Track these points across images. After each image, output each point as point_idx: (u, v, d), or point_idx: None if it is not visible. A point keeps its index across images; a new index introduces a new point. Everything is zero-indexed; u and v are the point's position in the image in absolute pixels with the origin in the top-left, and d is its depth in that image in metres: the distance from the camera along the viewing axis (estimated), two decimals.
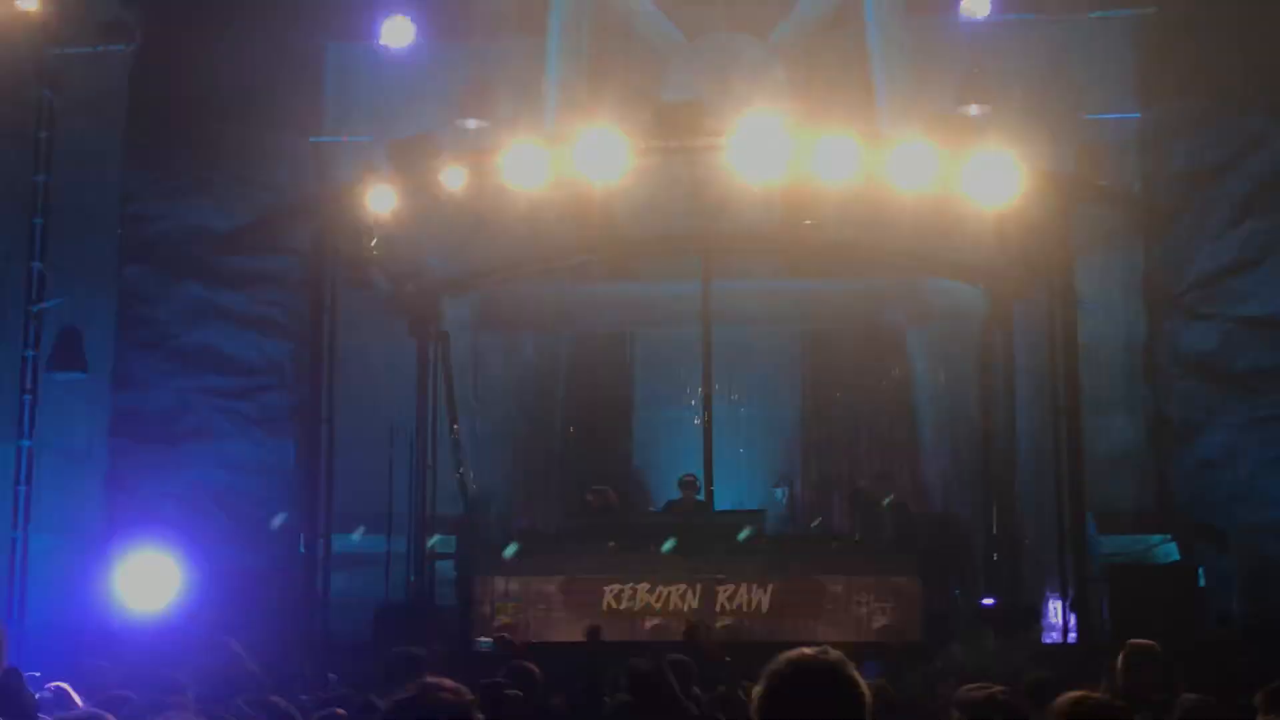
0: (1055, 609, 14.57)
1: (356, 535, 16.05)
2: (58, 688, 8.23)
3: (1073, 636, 13.81)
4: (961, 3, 18.15)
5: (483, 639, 14.00)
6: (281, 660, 11.71)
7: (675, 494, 16.23)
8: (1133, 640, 7.44)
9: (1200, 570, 14.80)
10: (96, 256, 17.28)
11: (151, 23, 16.69)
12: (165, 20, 16.76)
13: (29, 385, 15.77)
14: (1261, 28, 16.61)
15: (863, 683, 3.01)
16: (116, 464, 17.35)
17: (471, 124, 17.55)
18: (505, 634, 13.80)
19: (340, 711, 6.36)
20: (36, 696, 6.57)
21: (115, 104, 17.59)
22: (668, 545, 14.34)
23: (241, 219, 16.85)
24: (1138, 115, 17.86)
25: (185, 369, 17.59)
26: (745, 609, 14.33)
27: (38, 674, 8.98)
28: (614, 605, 14.32)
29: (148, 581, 14.79)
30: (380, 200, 14.93)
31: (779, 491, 17.90)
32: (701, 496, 15.97)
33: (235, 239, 16.34)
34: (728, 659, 11.81)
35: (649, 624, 14.18)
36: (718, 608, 14.27)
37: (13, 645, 14.12)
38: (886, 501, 16.31)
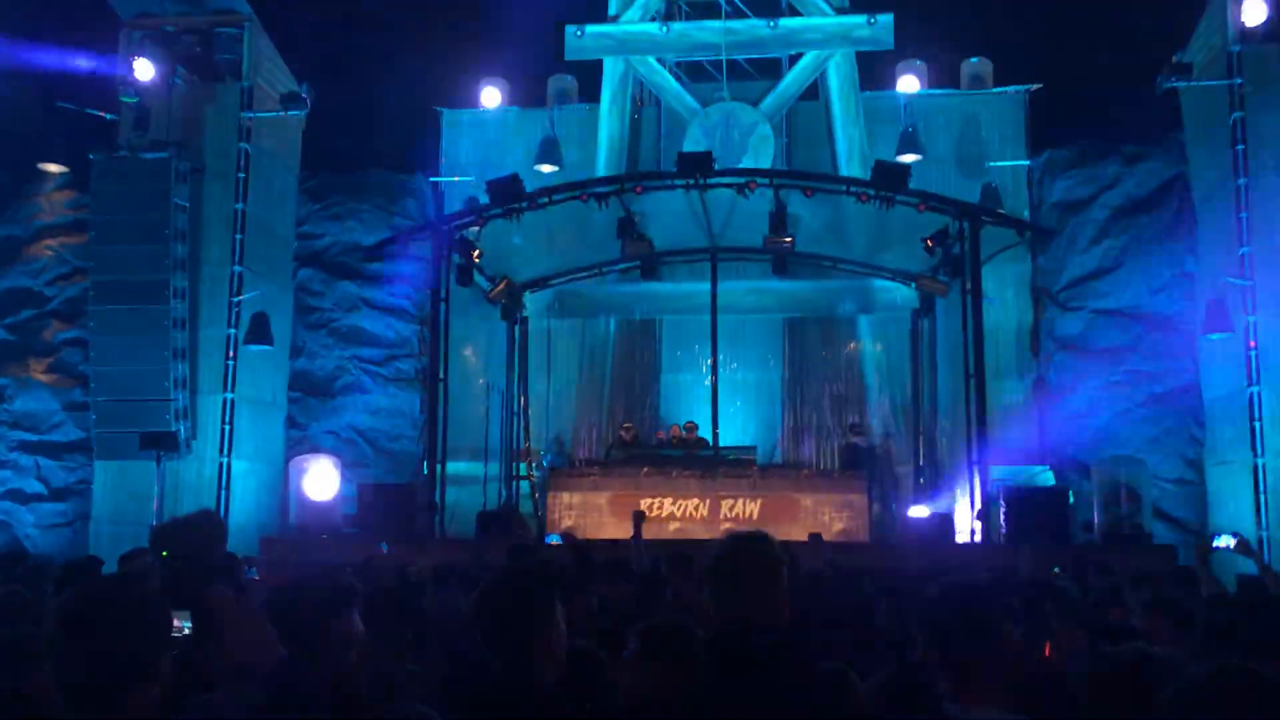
0: (966, 518, 14.56)
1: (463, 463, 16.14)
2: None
3: (978, 539, 13.82)
4: (898, 81, 18.10)
5: (552, 535, 14.09)
6: (408, 550, 11.82)
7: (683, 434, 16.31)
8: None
9: (1070, 492, 14.72)
10: (279, 263, 17.38)
11: (318, 95, 16.73)
12: (327, 96, 16.81)
13: (231, 354, 15.90)
14: (1116, 102, 16.51)
15: (780, 552, 3.07)
16: (293, 410, 17.51)
17: (546, 168, 17.55)
18: (569, 531, 13.89)
19: None
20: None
21: (292, 154, 17.67)
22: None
23: (381, 236, 16.92)
24: (1028, 162, 17.74)
25: (341, 343, 17.72)
26: (741, 516, 14.37)
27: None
28: (648, 513, 14.38)
29: (318, 482, 14.95)
30: (480, 222, 14.96)
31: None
32: (703, 434, 16.01)
33: (377, 250, 16.39)
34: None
35: (672, 527, 14.25)
36: (721, 516, 14.33)
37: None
38: (866, 445, 16.34)
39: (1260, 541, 13.83)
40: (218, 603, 3.30)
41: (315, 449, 16.90)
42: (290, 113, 16.67)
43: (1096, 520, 13.91)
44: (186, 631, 3.51)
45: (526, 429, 17.62)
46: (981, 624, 2.86)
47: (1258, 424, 14.43)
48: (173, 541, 3.63)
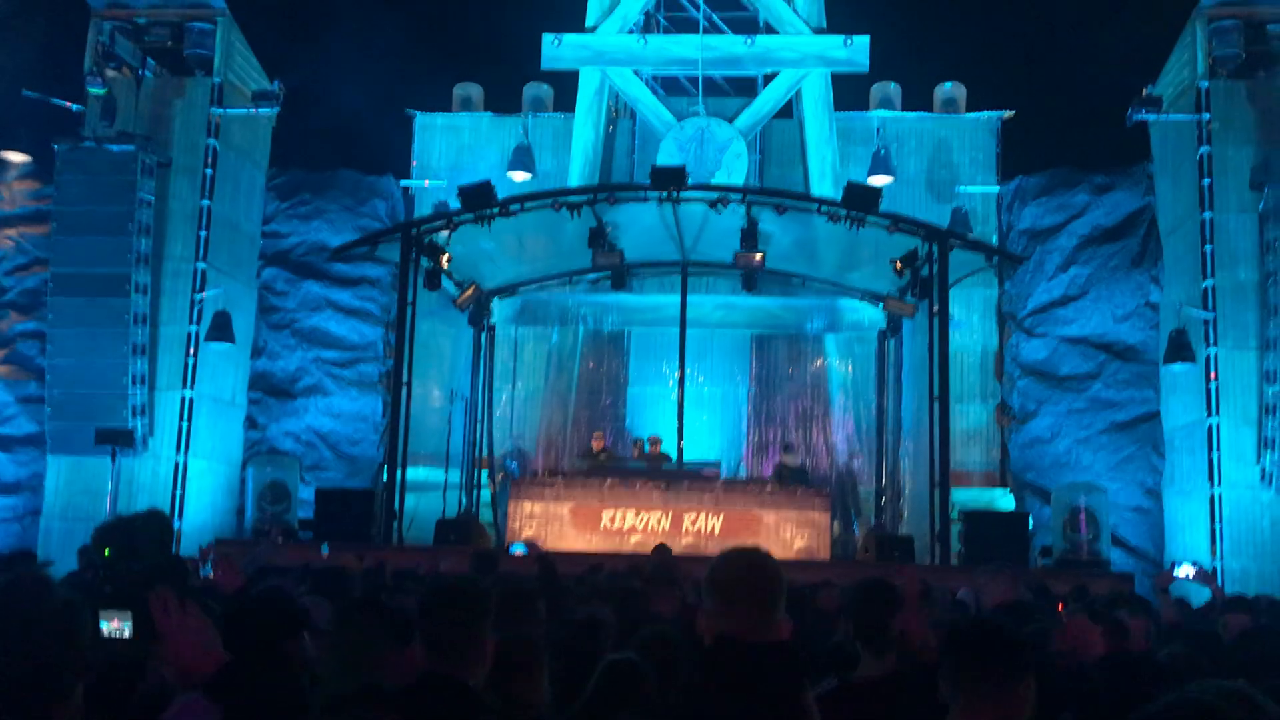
0: (926, 540, 14.57)
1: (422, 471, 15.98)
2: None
3: (937, 560, 13.82)
4: (872, 103, 18.18)
5: (514, 544, 13.94)
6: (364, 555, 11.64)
7: (647, 448, 16.18)
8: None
9: (1030, 517, 14.80)
10: (243, 261, 17.19)
11: (289, 94, 16.57)
12: (298, 93, 16.68)
13: (192, 351, 15.72)
14: (1087, 131, 16.68)
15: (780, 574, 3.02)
16: (253, 411, 17.28)
17: (519, 175, 17.46)
18: (535, 540, 13.74)
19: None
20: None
21: (261, 151, 17.51)
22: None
23: (349, 237, 16.74)
24: (998, 188, 17.85)
25: (304, 344, 17.50)
26: (703, 531, 14.29)
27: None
28: (609, 525, 14.29)
29: (271, 494, 14.69)
30: (450, 227, 14.84)
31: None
32: (668, 448, 15.92)
33: (344, 251, 16.22)
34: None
35: (634, 539, 14.14)
36: (683, 530, 14.24)
37: (174, 539, 14.09)
38: (796, 465, 16.30)
39: (1215, 571, 13.94)
40: (160, 604, 3.19)
41: (274, 450, 16.69)
42: (261, 110, 16.52)
43: (1054, 545, 13.95)
44: (127, 633, 3.40)
45: (490, 437, 17.48)
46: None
47: (1216, 455, 14.59)
48: (116, 540, 3.52)
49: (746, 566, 2.98)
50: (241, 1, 16.62)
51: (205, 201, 15.90)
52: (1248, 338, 14.70)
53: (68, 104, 16.01)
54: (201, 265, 15.81)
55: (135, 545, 3.46)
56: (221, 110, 16.13)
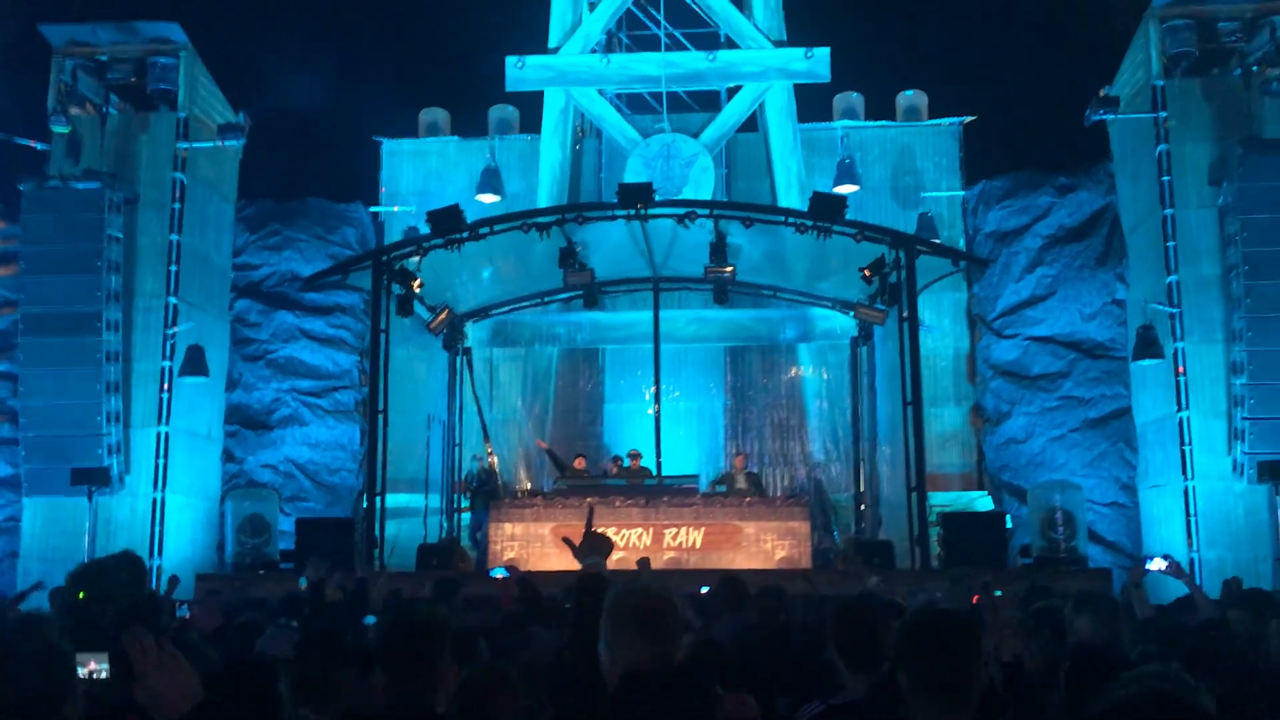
0: (905, 545, 14.65)
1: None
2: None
3: (917, 564, 13.90)
4: (835, 113, 18.37)
5: (495, 567, 13.92)
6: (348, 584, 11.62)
7: (627, 463, 16.18)
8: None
9: (1007, 517, 14.91)
10: (215, 294, 17.17)
11: (255, 125, 16.59)
12: (264, 124, 16.69)
13: (166, 387, 15.67)
14: (1048, 133, 16.89)
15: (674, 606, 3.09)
16: (230, 444, 17.23)
17: (487, 198, 17.53)
18: (515, 564, 13.73)
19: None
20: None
21: (229, 183, 17.51)
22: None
23: (320, 266, 16.75)
24: (962, 192, 18.04)
25: (279, 375, 17.46)
26: (684, 545, 14.34)
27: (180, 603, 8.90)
28: None
29: (251, 527, 14.62)
30: (420, 252, 14.88)
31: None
32: (647, 463, 15.97)
33: (315, 281, 16.22)
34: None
35: (615, 556, 14.10)
36: (664, 545, 14.28)
37: (152, 575, 14.04)
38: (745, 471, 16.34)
39: (1191, 563, 14.11)
40: (135, 645, 3.22)
41: (252, 483, 16.64)
42: (227, 142, 16.51)
43: (1032, 544, 14.06)
44: (104, 675, 3.42)
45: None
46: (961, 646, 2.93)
47: (1187, 448, 14.76)
48: (90, 583, 3.55)
49: (638, 601, 3.05)
50: (204, 34, 16.65)
51: (174, 236, 15.88)
52: (1214, 331, 14.89)
53: (32, 143, 15.98)
54: (173, 300, 15.77)
55: (109, 587, 3.50)
56: (187, 144, 16.13)
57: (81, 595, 3.48)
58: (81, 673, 3.30)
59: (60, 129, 15.70)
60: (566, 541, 8.03)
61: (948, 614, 3.14)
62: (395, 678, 3.09)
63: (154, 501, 15.38)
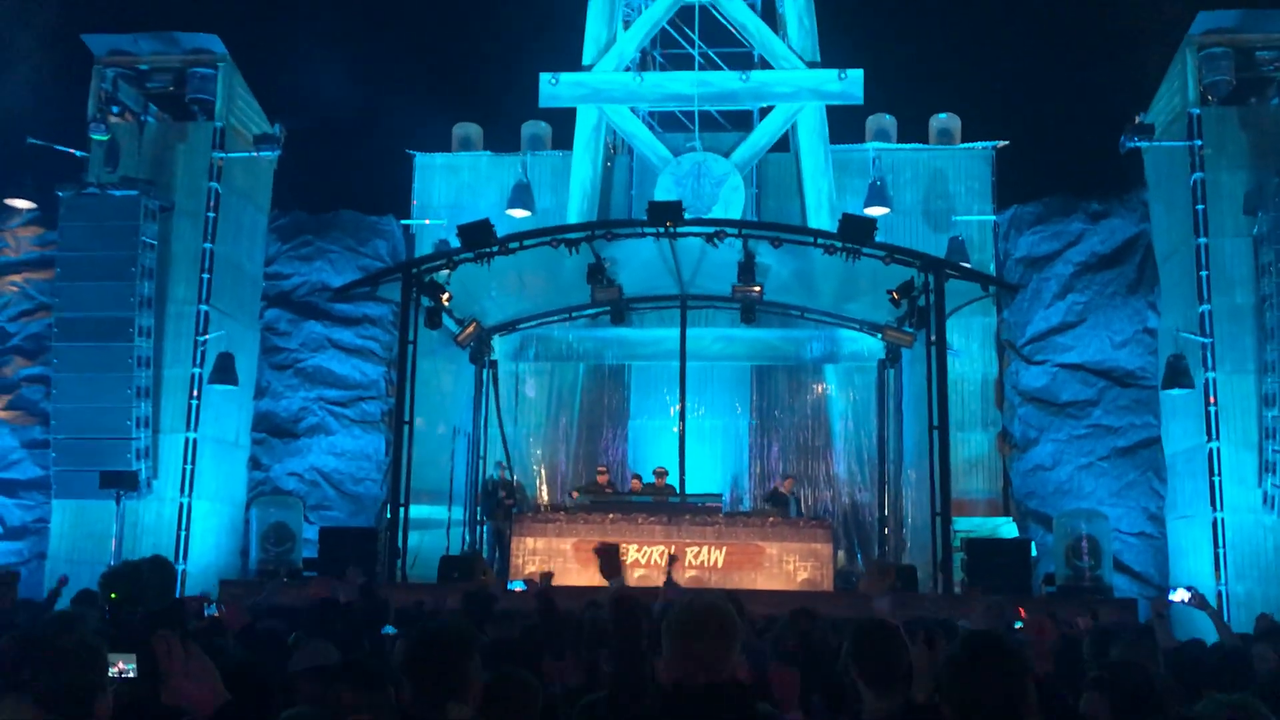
0: (929, 569, 14.61)
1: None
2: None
3: (940, 589, 13.85)
4: (867, 135, 18.39)
5: (514, 581, 13.98)
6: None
7: (651, 480, 16.19)
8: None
9: (1033, 544, 14.83)
10: (246, 302, 17.37)
11: (290, 137, 16.80)
12: (299, 136, 16.90)
13: (195, 393, 15.85)
14: (1081, 159, 16.84)
15: (735, 621, 3.12)
16: (256, 451, 17.39)
17: (518, 213, 17.66)
18: (533, 577, 13.77)
19: None
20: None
21: (263, 193, 17.74)
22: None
23: (350, 277, 16.95)
24: (994, 217, 18.02)
25: (307, 384, 17.64)
26: (706, 564, 14.37)
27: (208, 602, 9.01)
28: None
29: (275, 535, 14.74)
30: (450, 266, 15.00)
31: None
32: (672, 480, 15.99)
33: (345, 291, 16.41)
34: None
35: (637, 574, 14.18)
36: (686, 563, 14.29)
37: (177, 580, 14.19)
38: (792, 494, 16.38)
39: (1219, 595, 13.99)
40: (162, 646, 3.30)
41: (278, 490, 16.79)
42: (263, 153, 16.75)
43: (1057, 571, 13.99)
44: (131, 674, 3.51)
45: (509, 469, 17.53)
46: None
47: (1217, 479, 14.64)
48: (121, 585, 3.64)
49: (702, 613, 3.10)
50: (243, 46, 16.91)
51: (208, 244, 16.09)
52: (1246, 361, 14.79)
53: (71, 150, 16.24)
54: (204, 307, 15.97)
55: (139, 590, 3.59)
56: (223, 154, 16.35)
57: (114, 596, 3.58)
58: (110, 672, 3.39)
59: (99, 136, 15.96)
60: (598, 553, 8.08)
61: (999, 641, 3.09)
62: (422, 689, 3.14)
63: (180, 506, 15.54)
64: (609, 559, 7.11)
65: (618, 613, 6.01)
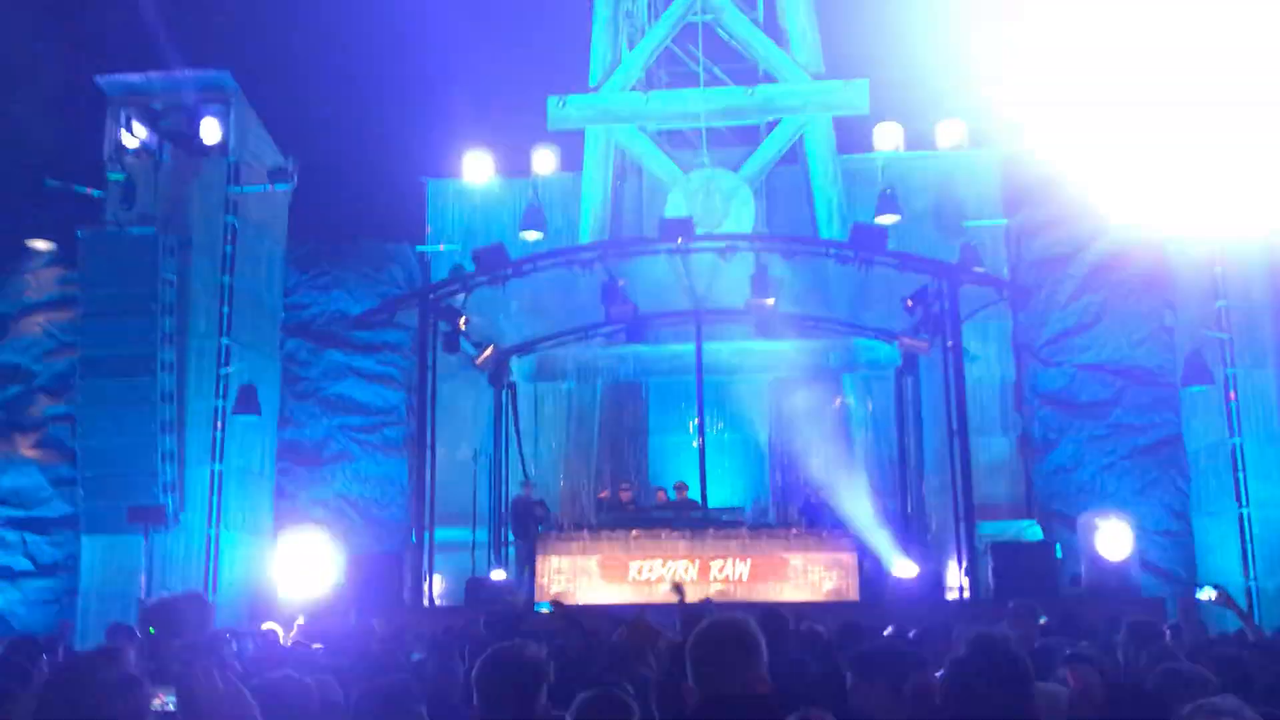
0: (953, 574, 14.58)
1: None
2: (269, 630, 8.24)
3: (966, 594, 13.83)
4: (875, 144, 18.42)
5: (540, 602, 14.01)
6: (398, 616, 11.81)
7: (673, 495, 16.20)
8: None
9: (1057, 546, 14.79)
10: (266, 333, 17.52)
11: (304, 169, 16.97)
12: (313, 167, 17.07)
13: (219, 426, 15.97)
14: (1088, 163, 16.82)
15: (758, 636, 3.17)
16: (281, 480, 17.52)
17: (531, 236, 17.77)
18: (558, 598, 13.80)
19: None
20: (236, 643, 6.65)
21: (279, 226, 17.91)
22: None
23: (368, 305, 17.09)
24: (1005, 221, 18.02)
25: (329, 411, 17.78)
26: (731, 577, 14.33)
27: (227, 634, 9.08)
28: (637, 577, 14.36)
29: (305, 562, 14.81)
30: (466, 290, 15.12)
31: None
32: (692, 495, 15.99)
33: (364, 319, 16.54)
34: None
35: (662, 589, 14.17)
36: (711, 577, 14.30)
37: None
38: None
39: (1248, 592, 13.92)
40: (201, 680, 3.37)
41: (304, 518, 16.90)
42: (277, 185, 16.91)
43: (1083, 572, 13.94)
44: (170, 708, 3.58)
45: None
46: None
47: (1241, 475, 14.60)
48: (160, 620, 3.72)
49: (725, 631, 3.16)
50: (254, 81, 17.10)
51: (226, 278, 16.25)
52: (1264, 356, 14.76)
53: (89, 190, 16.45)
54: (225, 340, 16.12)
55: (177, 623, 3.67)
56: (238, 188, 16.53)
57: (152, 630, 3.65)
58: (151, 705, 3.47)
59: (115, 176, 16.18)
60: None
61: (1004, 646, 3.12)
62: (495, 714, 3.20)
63: (208, 538, 15.65)
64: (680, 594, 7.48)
65: (632, 636, 6.09)
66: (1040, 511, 16.65)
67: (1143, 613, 11.77)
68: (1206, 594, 7.85)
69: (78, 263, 15.94)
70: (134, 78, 16.57)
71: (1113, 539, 13.65)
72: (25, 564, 16.76)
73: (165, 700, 3.56)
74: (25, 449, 17.13)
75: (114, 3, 15.82)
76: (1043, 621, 9.03)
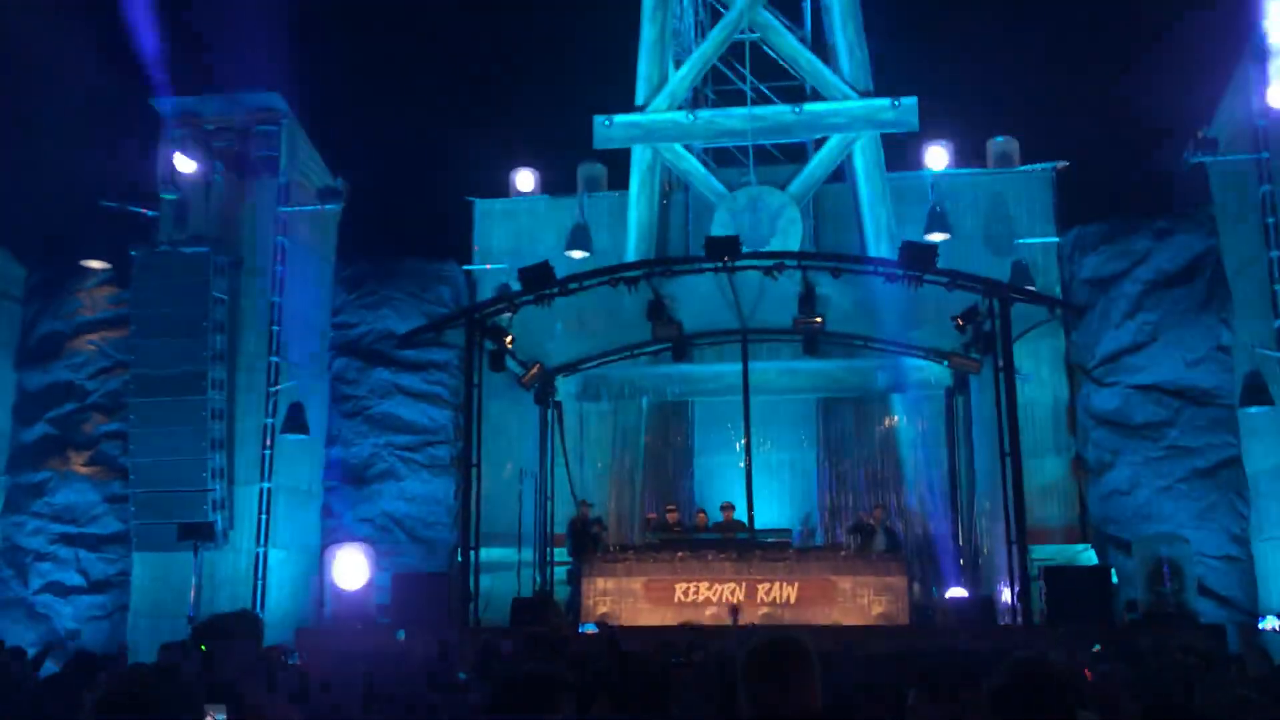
0: (1006, 599, 14.36)
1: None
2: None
3: (1019, 620, 13.62)
4: (924, 162, 18.31)
5: (586, 623, 14.00)
6: (446, 635, 11.82)
7: (719, 517, 16.12)
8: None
9: (1113, 570, 14.53)
10: (315, 352, 17.72)
11: (353, 189, 17.18)
12: (362, 188, 17.27)
13: (268, 444, 16.16)
14: (1145, 177, 16.64)
15: (812, 654, 3.14)
16: (329, 498, 17.66)
17: (576, 254, 17.83)
18: (604, 618, 13.80)
19: None
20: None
21: (328, 246, 18.14)
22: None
23: (415, 324, 17.22)
24: (1057, 239, 17.83)
25: (376, 430, 17.91)
26: (778, 601, 14.25)
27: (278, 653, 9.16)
28: (683, 599, 14.31)
29: (348, 571, 14.87)
30: (512, 309, 15.18)
31: None
32: (739, 516, 15.91)
33: (411, 338, 16.67)
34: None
35: (709, 612, 14.14)
36: (758, 600, 14.21)
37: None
38: (883, 525, 16.22)
39: None
40: (252, 696, 3.41)
41: (350, 537, 17.01)
42: (327, 206, 17.13)
43: (1140, 598, 13.68)
44: None
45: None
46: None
47: None
48: (211, 637, 3.76)
49: (779, 648, 3.14)
50: (304, 102, 17.37)
51: (276, 298, 16.46)
52: None
53: (143, 210, 16.77)
54: (275, 359, 16.32)
55: (229, 641, 3.70)
56: (289, 208, 16.76)
57: (204, 648, 3.69)
58: None
59: (169, 196, 16.47)
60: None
61: (1047, 669, 3.10)
62: None
63: (256, 556, 15.81)
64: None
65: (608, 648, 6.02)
66: (1095, 535, 16.38)
67: (1202, 641, 11.56)
68: (1271, 624, 7.65)
69: (131, 282, 16.24)
70: (187, 100, 16.90)
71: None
72: (78, 580, 17.02)
73: (217, 717, 3.59)
74: (78, 466, 17.43)
75: (168, 25, 16.14)
76: (1096, 649, 8.89)
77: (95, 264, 17.74)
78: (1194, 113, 16.30)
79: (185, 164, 16.27)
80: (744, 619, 13.43)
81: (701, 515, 16.32)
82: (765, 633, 3.31)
